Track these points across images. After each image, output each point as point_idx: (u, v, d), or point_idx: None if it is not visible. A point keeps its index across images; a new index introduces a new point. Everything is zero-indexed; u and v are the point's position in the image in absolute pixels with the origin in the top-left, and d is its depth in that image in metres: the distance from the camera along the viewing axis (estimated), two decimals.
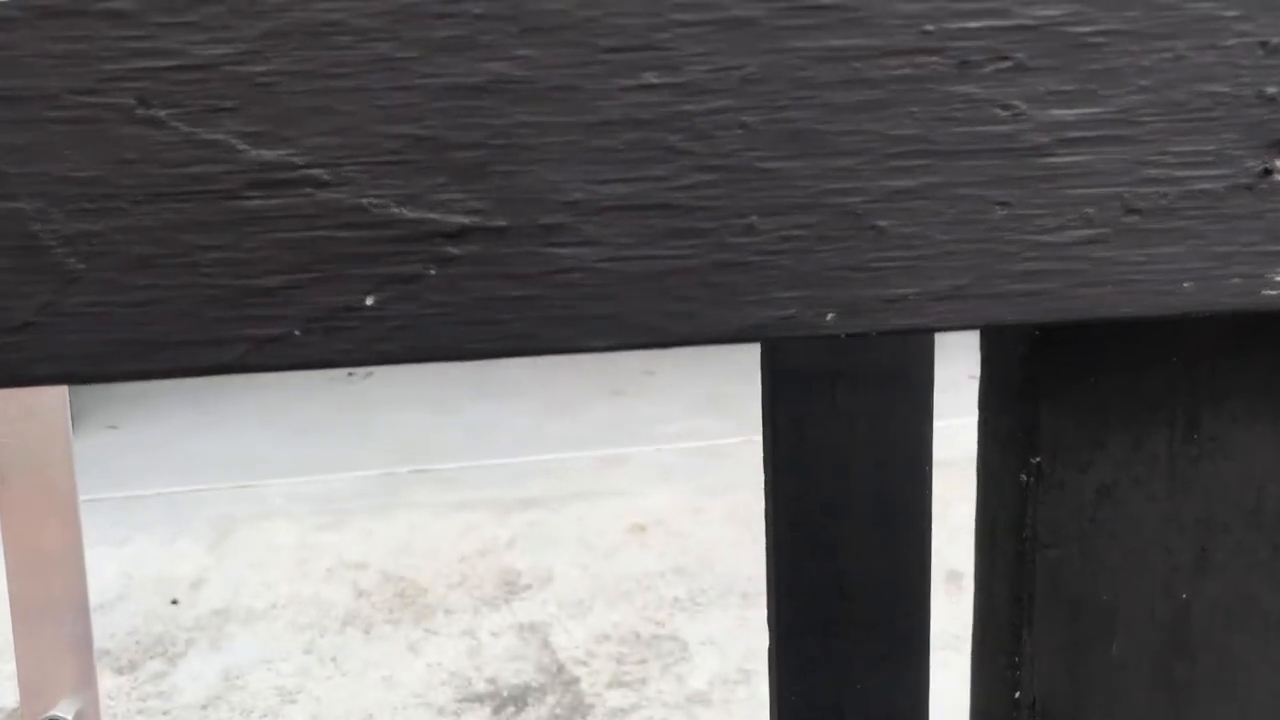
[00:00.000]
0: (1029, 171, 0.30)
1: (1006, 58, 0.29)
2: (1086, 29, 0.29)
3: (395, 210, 0.30)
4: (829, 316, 0.31)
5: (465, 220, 0.30)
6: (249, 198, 0.29)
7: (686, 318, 0.31)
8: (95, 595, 2.51)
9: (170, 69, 0.28)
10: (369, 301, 0.30)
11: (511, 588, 2.49)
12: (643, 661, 2.20)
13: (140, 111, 0.28)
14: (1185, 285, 0.32)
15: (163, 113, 0.28)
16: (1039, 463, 0.38)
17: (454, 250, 0.30)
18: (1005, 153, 0.30)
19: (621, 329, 0.31)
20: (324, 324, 0.30)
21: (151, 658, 2.30)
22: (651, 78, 0.29)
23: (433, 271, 0.30)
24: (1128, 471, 0.38)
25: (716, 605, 2.38)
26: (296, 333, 0.30)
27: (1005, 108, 0.30)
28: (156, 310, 0.30)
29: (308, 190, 0.29)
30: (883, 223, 0.31)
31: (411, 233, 0.30)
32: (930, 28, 0.29)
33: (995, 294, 0.31)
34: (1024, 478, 0.38)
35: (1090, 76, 0.30)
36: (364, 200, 0.30)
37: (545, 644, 2.28)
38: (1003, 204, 0.31)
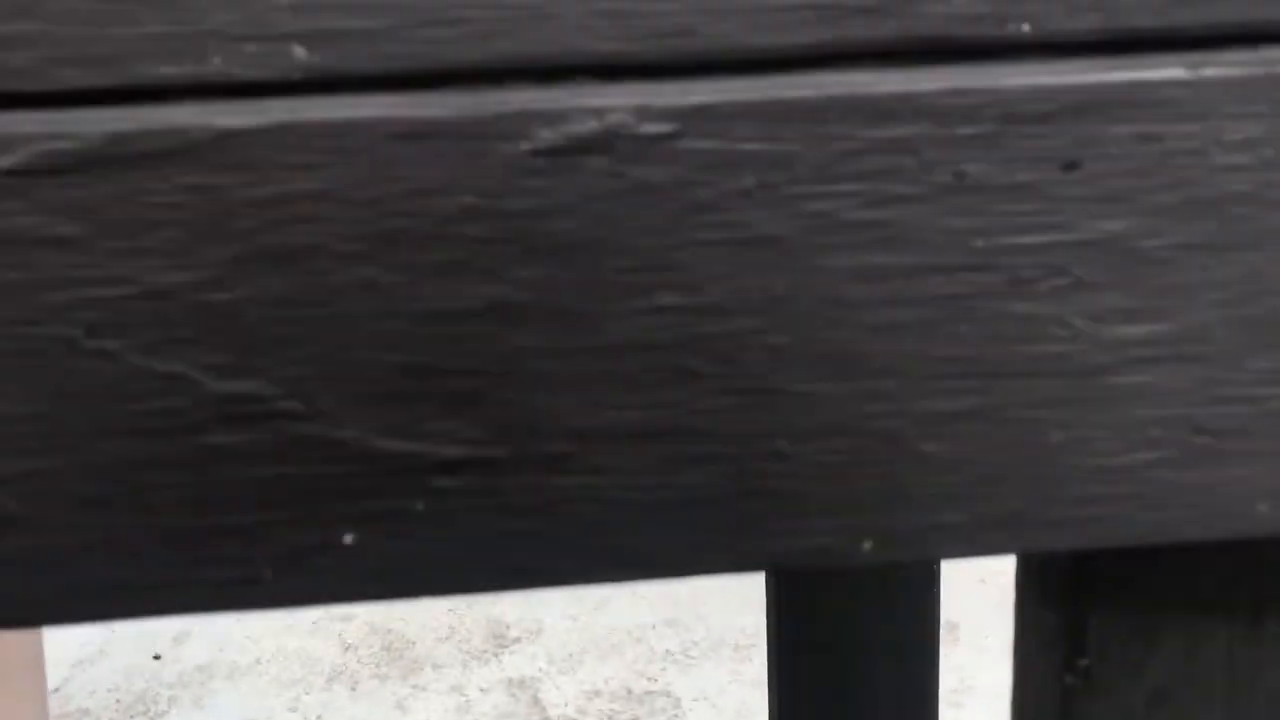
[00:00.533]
0: (1089, 393, 0.27)
1: (1064, 274, 0.26)
2: (1154, 243, 0.26)
3: (378, 443, 0.26)
4: (865, 545, 0.28)
5: (457, 452, 0.27)
6: (212, 434, 0.26)
7: (706, 549, 0.28)
8: (75, 651, 2.46)
9: (122, 298, 0.25)
10: (347, 540, 0.27)
11: (501, 640, 2.44)
12: (635, 719, 2.16)
13: (89, 343, 0.25)
14: (1260, 508, 0.29)
15: (114, 344, 0.25)
16: (1087, 665, 0.34)
17: (445, 483, 0.27)
18: (1063, 374, 0.27)
19: (634, 562, 0.28)
20: (296, 565, 0.27)
21: (133, 716, 2.25)
22: (668, 299, 0.26)
23: (420, 506, 0.27)
24: (1184, 673, 0.35)
25: (710, 658, 2.34)
26: (266, 574, 0.27)
27: (1063, 326, 0.26)
28: (107, 553, 0.27)
29: (279, 424, 0.26)
30: (927, 447, 0.27)
31: (396, 466, 0.27)
32: (980, 244, 0.26)
33: (1050, 520, 0.28)
34: (1069, 680, 0.35)
35: (1157, 292, 0.26)
36: (343, 433, 0.26)
37: (535, 700, 2.23)
38: (1060, 427, 0.27)
